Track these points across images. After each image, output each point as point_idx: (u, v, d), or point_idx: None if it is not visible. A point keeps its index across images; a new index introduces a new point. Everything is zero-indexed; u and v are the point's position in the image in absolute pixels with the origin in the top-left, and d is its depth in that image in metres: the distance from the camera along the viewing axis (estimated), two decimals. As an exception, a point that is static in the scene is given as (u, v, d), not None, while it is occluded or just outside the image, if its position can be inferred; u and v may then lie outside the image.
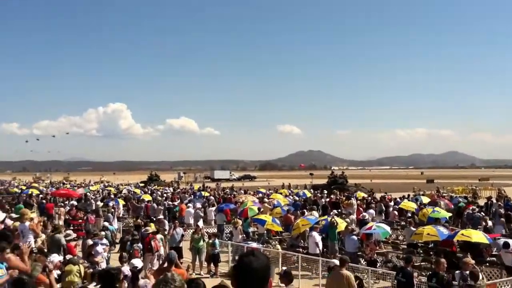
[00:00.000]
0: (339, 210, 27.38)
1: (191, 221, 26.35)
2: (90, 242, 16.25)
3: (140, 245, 16.45)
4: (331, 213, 24.48)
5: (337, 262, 12.41)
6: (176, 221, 20.47)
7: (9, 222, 15.27)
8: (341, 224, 19.68)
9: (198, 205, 29.72)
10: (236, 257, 18.94)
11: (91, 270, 10.94)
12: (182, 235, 18.96)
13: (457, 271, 12.13)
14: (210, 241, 18.40)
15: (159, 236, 17.71)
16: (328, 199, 35.13)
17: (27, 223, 13.36)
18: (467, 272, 11.77)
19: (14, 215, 17.44)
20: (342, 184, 54.47)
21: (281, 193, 39.89)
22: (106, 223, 22.82)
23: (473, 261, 12.72)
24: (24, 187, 55.46)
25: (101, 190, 49.79)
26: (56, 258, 10.52)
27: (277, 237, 22.94)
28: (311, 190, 45.15)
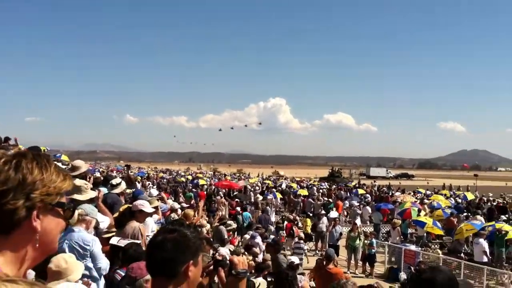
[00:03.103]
0: (507, 216, 25.42)
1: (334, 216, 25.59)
2: (250, 233, 17.05)
3: (284, 232, 18.66)
4: (499, 219, 22.86)
5: None
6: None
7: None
8: (510, 232, 18.23)
9: (354, 202, 29.53)
10: (393, 259, 18.58)
11: (252, 262, 11.27)
12: (341, 234, 18.88)
13: None
14: (367, 240, 18.20)
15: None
16: (495, 203, 32.79)
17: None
18: None
19: (184, 205, 18.71)
20: None
21: (442, 195, 37.98)
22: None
23: None
24: (190, 177, 59.12)
25: (260, 183, 51.41)
26: (223, 250, 10.98)
27: (437, 240, 21.98)
28: (476, 193, 42.35)
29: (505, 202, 35.26)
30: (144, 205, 7.50)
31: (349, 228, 19.88)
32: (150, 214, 8.18)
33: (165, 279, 2.22)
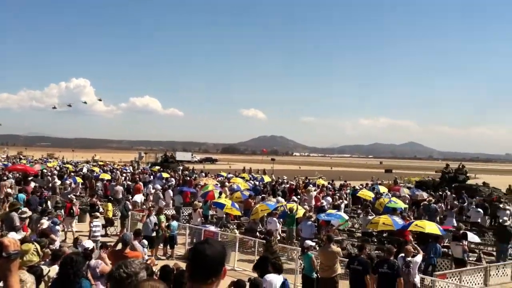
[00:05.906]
0: (298, 197, 27.57)
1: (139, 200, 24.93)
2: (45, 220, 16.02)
3: (62, 211, 19.29)
4: (291, 199, 24.68)
5: (311, 243, 13.60)
6: (151, 208, 19.84)
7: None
8: (300, 211, 19.82)
9: (158, 186, 29.50)
10: (195, 240, 18.94)
11: (48, 249, 10.55)
12: (155, 224, 17.61)
13: (400, 255, 12.40)
14: (167, 223, 18.26)
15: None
16: (288, 185, 35.34)
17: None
18: (409, 258, 12.13)
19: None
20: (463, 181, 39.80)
21: (242, 178, 39.75)
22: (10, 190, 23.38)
23: (412, 249, 12.91)
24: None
25: (58, 167, 48.76)
26: (14, 236, 10.07)
27: (236, 221, 22.99)
28: (273, 176, 45.18)
29: (298, 184, 38.19)
30: None
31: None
32: None
33: None
